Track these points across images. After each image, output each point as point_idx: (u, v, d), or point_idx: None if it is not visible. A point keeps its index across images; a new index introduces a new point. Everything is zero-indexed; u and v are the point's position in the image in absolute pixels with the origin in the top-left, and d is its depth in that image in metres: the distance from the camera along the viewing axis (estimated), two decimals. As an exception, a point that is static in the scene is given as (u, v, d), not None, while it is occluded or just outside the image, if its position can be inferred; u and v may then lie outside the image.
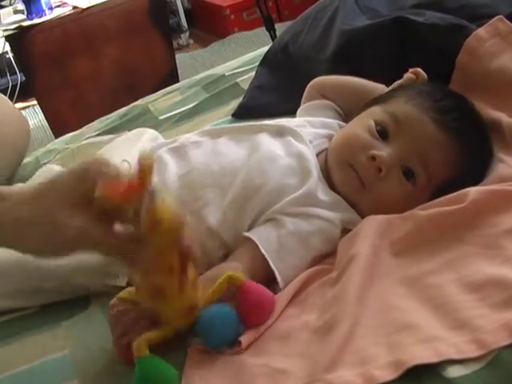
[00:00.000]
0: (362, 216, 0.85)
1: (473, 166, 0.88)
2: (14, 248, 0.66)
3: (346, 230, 0.86)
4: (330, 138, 0.97)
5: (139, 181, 0.63)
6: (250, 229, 0.85)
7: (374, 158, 0.85)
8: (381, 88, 1.01)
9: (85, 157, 1.00)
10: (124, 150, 1.03)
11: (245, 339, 0.71)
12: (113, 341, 0.74)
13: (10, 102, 1.37)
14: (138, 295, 0.71)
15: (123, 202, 0.63)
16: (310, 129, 0.98)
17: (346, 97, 1.05)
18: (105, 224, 0.65)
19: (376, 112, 0.91)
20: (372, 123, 0.89)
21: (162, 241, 0.64)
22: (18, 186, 0.69)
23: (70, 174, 0.67)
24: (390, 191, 0.86)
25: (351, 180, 0.87)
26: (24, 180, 1.15)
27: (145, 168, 0.63)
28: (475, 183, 0.85)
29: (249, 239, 0.82)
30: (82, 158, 1.09)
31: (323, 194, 0.87)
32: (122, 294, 0.76)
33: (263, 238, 0.82)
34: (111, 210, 0.64)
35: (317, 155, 0.92)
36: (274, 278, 0.80)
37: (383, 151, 0.86)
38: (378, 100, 0.95)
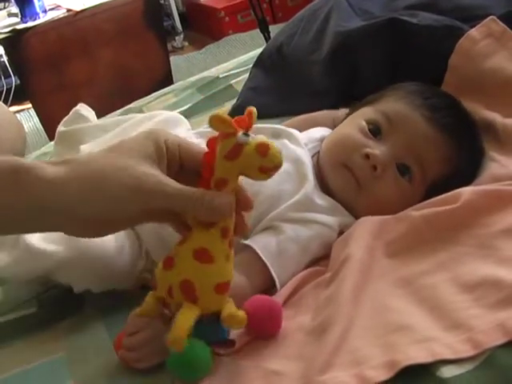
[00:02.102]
0: (357, 217, 0.85)
1: (465, 163, 0.88)
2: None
3: (340, 232, 0.85)
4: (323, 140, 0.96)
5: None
6: None
7: (368, 156, 0.85)
8: (338, 112, 1.03)
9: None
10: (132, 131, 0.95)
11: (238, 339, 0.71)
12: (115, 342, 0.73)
13: (7, 108, 1.36)
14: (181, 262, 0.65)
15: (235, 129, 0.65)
16: (304, 132, 0.98)
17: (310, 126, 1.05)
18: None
19: (367, 112, 0.91)
20: (363, 123, 0.89)
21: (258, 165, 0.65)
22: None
23: (139, 134, 0.66)
24: (385, 189, 0.86)
25: (347, 180, 0.87)
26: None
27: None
28: (468, 182, 0.85)
29: (247, 246, 0.81)
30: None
31: (319, 198, 0.87)
32: (139, 310, 0.70)
33: (262, 245, 0.81)
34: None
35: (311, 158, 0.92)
36: (272, 283, 0.80)
37: (377, 149, 0.86)
38: (368, 101, 0.95)
